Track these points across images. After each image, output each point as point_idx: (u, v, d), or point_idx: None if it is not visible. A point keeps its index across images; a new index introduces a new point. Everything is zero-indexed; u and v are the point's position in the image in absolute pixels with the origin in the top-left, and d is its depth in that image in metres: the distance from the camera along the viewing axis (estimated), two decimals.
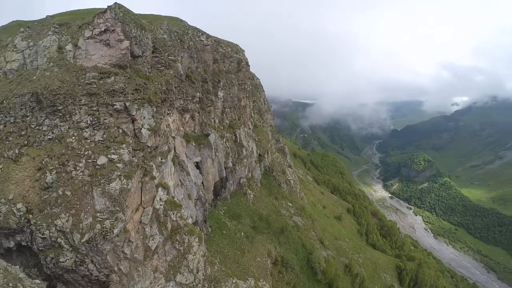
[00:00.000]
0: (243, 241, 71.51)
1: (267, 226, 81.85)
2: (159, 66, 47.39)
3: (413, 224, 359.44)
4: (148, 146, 38.88)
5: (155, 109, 40.54)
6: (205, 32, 71.79)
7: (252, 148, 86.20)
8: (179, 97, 52.96)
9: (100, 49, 40.69)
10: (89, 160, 35.52)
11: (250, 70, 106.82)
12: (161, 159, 41.45)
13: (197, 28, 70.03)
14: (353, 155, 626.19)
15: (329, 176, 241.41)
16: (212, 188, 67.44)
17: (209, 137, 61.68)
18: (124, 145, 35.53)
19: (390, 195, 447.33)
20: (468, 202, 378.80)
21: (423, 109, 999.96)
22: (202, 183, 61.81)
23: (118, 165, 34.53)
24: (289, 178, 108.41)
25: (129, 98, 36.67)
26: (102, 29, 41.06)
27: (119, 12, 41.88)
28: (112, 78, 37.35)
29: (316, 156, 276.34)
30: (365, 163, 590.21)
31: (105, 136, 35.80)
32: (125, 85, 37.05)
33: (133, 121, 37.53)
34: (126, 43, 39.38)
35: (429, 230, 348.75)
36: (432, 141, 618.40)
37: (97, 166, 34.93)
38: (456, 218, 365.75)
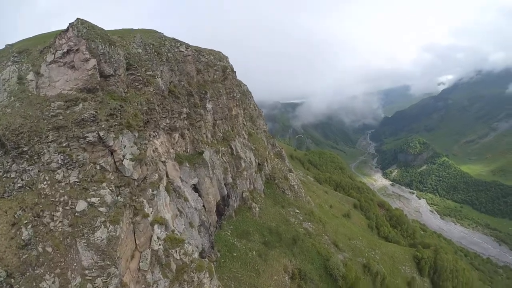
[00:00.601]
0: (256, 261, 65.77)
1: (279, 239, 76.33)
2: (137, 84, 41.58)
3: (418, 208, 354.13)
4: (135, 179, 32.94)
5: (137, 134, 34.75)
6: (184, 42, 66.26)
7: (250, 159, 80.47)
8: (164, 115, 47.06)
9: (64, 73, 34.82)
10: (67, 207, 29.59)
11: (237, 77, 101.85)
12: (153, 190, 35.54)
13: (174, 39, 64.45)
14: (348, 148, 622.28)
15: (330, 173, 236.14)
16: (215, 209, 61.54)
17: (203, 154, 55.82)
18: (104, 184, 29.61)
19: (391, 182, 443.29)
20: (469, 178, 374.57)
21: (411, 93, 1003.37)
22: (203, 206, 55.89)
23: (101, 209, 28.63)
24: (292, 184, 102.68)
25: (103, 126, 30.70)
26: (65, 50, 35.31)
27: (83, 28, 36.18)
28: (80, 105, 31.38)
29: (313, 155, 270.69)
30: (361, 154, 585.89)
31: (80, 176, 29.84)
32: (96, 112, 31.10)
33: (112, 152, 31.57)
34: (92, 62, 33.48)
35: (435, 212, 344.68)
36: (424, 123, 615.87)
37: (76, 214, 29.04)
38: (459, 195, 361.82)
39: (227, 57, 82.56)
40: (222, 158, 65.39)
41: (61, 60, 35.36)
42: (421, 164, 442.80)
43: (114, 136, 31.10)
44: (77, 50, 34.92)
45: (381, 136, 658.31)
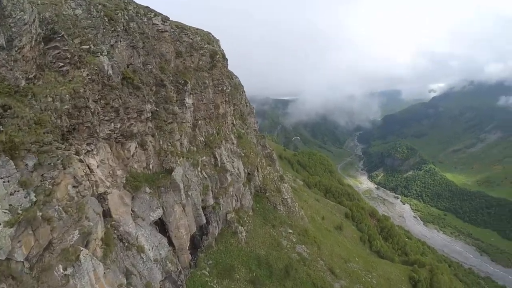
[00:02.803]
0: None
1: (269, 273, 61.36)
2: (61, 64, 24.53)
3: (402, 213, 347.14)
4: (20, 261, 16.11)
5: (33, 162, 17.78)
6: (161, 14, 49.03)
7: (238, 169, 63.85)
8: (107, 117, 29.73)
9: None
10: None
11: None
12: (65, 268, 18.79)
13: (147, 7, 47.19)
14: (335, 148, 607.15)
15: (319, 176, 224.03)
16: (188, 244, 44.77)
17: (173, 173, 39.06)
18: None
19: (376, 185, 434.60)
20: (454, 187, 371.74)
21: (402, 98, 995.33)
22: (172, 243, 39.42)
23: None
24: (285, 197, 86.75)
25: None
26: None
27: None
28: None
29: (303, 156, 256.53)
30: (348, 156, 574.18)
31: None
32: None
33: None
34: None
35: (418, 218, 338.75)
36: (413, 128, 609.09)
37: None
38: (443, 203, 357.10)
39: (218, 40, 65.24)
40: (202, 173, 48.37)
41: None
42: (407, 169, 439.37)
43: None
44: None
45: (369, 139, 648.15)
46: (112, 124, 30.18)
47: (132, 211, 31.85)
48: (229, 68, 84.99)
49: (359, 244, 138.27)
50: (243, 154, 72.88)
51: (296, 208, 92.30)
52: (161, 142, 39.52)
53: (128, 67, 35.32)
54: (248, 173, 74.54)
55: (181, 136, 43.85)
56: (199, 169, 47.19)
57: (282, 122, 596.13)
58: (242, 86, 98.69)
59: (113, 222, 28.27)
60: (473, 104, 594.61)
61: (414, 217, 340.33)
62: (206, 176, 49.40)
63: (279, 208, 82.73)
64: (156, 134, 39.20)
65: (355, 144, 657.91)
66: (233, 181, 59.50)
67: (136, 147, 35.49)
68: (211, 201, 50.34)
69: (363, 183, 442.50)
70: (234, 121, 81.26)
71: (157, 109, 39.62)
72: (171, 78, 44.61)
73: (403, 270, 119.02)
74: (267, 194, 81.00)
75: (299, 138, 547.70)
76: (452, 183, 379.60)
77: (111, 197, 28.26)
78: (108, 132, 29.74)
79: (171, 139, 41.28)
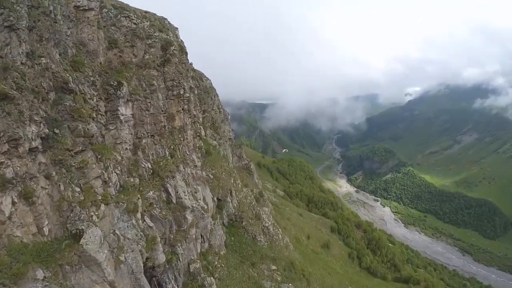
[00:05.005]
0: None
1: None
2: None
3: (383, 216, 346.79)
4: None
5: None
6: None
7: (204, 199, 48.12)
8: None
9: None
10: None
11: (193, 65, 69.17)
12: None
13: None
14: (314, 152, 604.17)
15: (300, 184, 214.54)
16: None
17: (82, 239, 22.87)
18: None
19: (355, 189, 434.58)
20: (433, 188, 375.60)
21: (379, 102, 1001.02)
22: None
23: None
24: (266, 224, 71.46)
25: None
26: None
27: None
28: None
29: (282, 163, 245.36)
30: (326, 159, 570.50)
31: None
32: None
33: None
34: None
35: (399, 220, 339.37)
36: (390, 131, 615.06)
37: None
38: (423, 205, 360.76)
39: (176, 28, 49.29)
40: (144, 221, 32.16)
41: None
42: (386, 172, 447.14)
43: None
44: None
45: (347, 142, 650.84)
46: None
47: None
48: (199, 69, 69.98)
49: (348, 262, 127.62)
50: (211, 177, 57.14)
51: (280, 236, 77.24)
52: (62, 187, 23.39)
53: None
54: (219, 200, 59.01)
55: (106, 169, 27.62)
56: (138, 215, 31.07)
57: (259, 127, 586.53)
58: (214, 89, 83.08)
59: None
60: (448, 107, 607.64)
61: (395, 220, 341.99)
62: (152, 224, 33.20)
63: (259, 239, 67.40)
64: (54, 174, 23.04)
65: (333, 148, 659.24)
66: (197, 218, 43.71)
67: (14, 203, 19.58)
68: (162, 258, 34.18)
69: (343, 187, 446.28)
70: (204, 132, 65.80)
71: (56, 132, 23.57)
72: (92, 78, 28.58)
73: None
74: (243, 224, 65.50)
75: (287, 150, 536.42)
76: (431, 185, 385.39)
77: None
78: None
79: (82, 178, 24.71)
